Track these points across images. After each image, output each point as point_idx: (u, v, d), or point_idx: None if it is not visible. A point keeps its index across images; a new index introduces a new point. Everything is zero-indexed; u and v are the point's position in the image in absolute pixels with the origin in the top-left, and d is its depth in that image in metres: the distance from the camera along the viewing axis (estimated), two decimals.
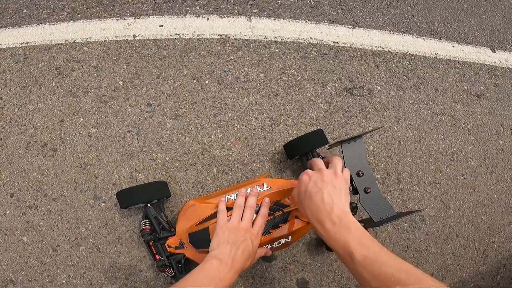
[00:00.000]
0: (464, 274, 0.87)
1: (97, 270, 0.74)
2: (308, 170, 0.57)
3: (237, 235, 0.57)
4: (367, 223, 0.70)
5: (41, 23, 0.93)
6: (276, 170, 0.82)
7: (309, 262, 0.79)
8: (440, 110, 0.97)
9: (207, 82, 0.88)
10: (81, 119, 0.81)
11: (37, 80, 0.83)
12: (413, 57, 1.04)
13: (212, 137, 0.82)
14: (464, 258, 0.88)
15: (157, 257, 0.67)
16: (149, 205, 0.68)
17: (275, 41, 0.97)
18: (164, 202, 0.76)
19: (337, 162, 0.57)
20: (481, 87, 1.05)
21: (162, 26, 0.96)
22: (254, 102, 0.87)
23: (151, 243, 0.68)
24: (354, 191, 0.69)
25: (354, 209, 0.70)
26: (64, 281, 0.73)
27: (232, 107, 0.86)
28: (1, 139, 0.78)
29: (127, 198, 0.67)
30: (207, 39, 0.95)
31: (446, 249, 0.87)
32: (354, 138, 0.67)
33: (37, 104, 0.81)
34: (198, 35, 0.95)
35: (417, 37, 1.09)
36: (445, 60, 1.06)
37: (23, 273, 0.73)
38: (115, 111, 0.82)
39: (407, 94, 0.97)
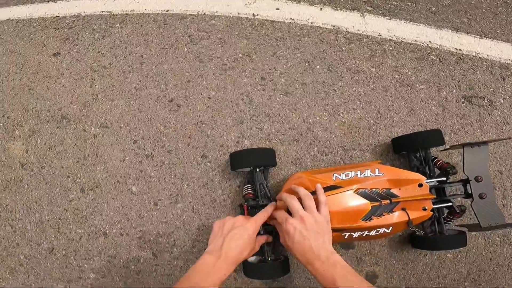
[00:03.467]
0: None
1: (185, 231, 0.87)
2: (291, 220, 0.62)
3: (228, 225, 0.65)
4: (471, 228, 0.73)
5: None
6: None
7: (385, 257, 0.84)
8: None
9: (317, 67, 0.98)
10: (204, 82, 0.98)
11: (173, 44, 1.03)
12: None
13: (318, 118, 0.92)
14: None
15: None
16: (258, 170, 0.77)
17: (389, 39, 1.03)
18: (268, 170, 0.86)
19: (310, 203, 0.64)
20: None
21: (278, 9, 1.09)
22: (362, 93, 0.94)
23: (246, 208, 0.76)
24: (466, 195, 0.72)
25: (461, 212, 0.72)
26: (152, 238, 0.87)
27: (340, 94, 0.94)
28: (137, 89, 0.99)
29: (240, 160, 0.77)
30: (320, 27, 1.05)
31: None
32: (478, 144, 0.70)
33: (171, 64, 1.01)
34: (311, 23, 1.06)
35: None
36: None
37: (119, 225, 0.88)
38: (233, 80, 0.97)
39: None
